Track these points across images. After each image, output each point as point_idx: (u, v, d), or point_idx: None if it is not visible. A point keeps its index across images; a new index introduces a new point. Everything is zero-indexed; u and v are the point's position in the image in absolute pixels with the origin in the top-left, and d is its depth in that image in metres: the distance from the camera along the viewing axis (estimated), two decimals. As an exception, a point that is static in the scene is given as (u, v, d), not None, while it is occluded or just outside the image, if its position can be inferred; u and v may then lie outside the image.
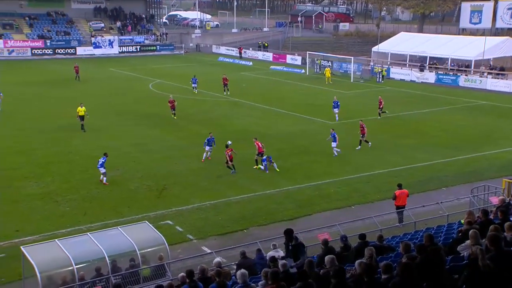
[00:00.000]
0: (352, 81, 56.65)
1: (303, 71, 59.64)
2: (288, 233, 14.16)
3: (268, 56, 76.09)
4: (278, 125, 37.26)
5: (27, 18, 75.72)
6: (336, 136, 29.54)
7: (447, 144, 32.32)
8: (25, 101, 41.66)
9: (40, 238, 18.78)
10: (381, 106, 38.51)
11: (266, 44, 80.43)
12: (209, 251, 17.93)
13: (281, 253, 13.91)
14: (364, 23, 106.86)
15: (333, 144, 29.53)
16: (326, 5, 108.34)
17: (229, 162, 26.67)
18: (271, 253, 13.51)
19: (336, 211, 22.57)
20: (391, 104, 41.76)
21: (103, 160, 24.65)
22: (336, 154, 29.56)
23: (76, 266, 14.31)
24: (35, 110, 38.77)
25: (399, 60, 64.92)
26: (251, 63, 71.13)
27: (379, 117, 38.01)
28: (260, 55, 77.17)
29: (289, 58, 72.36)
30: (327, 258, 9.58)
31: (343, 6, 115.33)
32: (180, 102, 43.74)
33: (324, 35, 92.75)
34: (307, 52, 65.23)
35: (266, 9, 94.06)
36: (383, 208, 21.37)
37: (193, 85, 47.23)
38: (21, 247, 15.04)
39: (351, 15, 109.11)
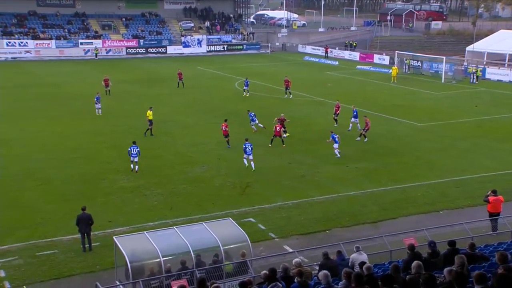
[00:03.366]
0: (443, 81, 54.38)
1: (390, 71, 58.03)
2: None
3: (355, 55, 74.82)
4: (362, 125, 36.40)
5: (123, 19, 79.60)
6: (335, 137, 28.93)
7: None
8: (120, 98, 43.75)
9: (130, 230, 19.63)
10: (337, 112, 35.90)
11: (354, 44, 79.12)
12: (291, 250, 17.89)
13: (365, 256, 13.60)
14: (458, 21, 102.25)
15: (335, 145, 28.97)
16: (418, 3, 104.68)
17: (225, 137, 28.90)
18: (354, 256, 13.26)
19: (422, 215, 21.77)
20: (486, 106, 39.68)
21: (137, 150, 26.17)
22: (338, 156, 28.86)
23: (163, 258, 14.79)
24: (128, 107, 40.60)
25: (497, 59, 61.35)
26: (337, 63, 70.31)
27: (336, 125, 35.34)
28: (347, 54, 76.05)
29: (376, 58, 70.75)
30: (414, 263, 9.25)
31: (436, 4, 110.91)
32: (265, 101, 44.13)
33: (414, 34, 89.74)
34: (396, 51, 63.45)
35: (354, 8, 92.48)
36: (474, 215, 20.33)
37: (244, 87, 46.36)
38: (114, 237, 15.78)
39: (445, 13, 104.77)
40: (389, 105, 42.61)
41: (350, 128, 34.13)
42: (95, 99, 37.50)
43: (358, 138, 31.98)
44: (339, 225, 20.88)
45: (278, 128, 30.60)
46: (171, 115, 38.47)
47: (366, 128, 31.90)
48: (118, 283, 15.20)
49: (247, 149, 26.68)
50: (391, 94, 48.55)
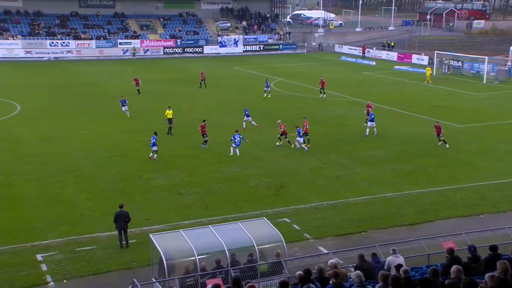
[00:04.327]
0: (484, 82, 53.07)
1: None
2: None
3: (393, 55, 73.76)
4: (399, 126, 35.98)
5: (161, 19, 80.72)
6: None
7: None
8: (158, 97, 44.32)
9: (166, 228, 19.87)
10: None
11: (392, 44, 78.02)
12: (326, 251, 17.80)
13: (401, 258, 13.39)
14: (502, 20, 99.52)
15: (298, 139, 29.84)
16: (459, 1, 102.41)
17: (204, 136, 29.72)
18: (390, 258, 13.07)
19: (461, 219, 21.30)
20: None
21: (154, 140, 27.60)
22: (298, 147, 29.81)
23: (198, 257, 14.89)
24: (165, 106, 41.07)
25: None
26: (374, 63, 69.49)
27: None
28: (384, 54, 75.06)
29: (414, 58, 69.56)
30: (453, 268, 9.06)
31: (478, 3, 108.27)
32: (301, 101, 43.98)
33: (455, 33, 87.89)
34: (435, 51, 62.23)
35: (393, 7, 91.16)
36: (517, 220, 19.76)
37: (265, 88, 45.58)
38: (150, 235, 15.95)
39: (488, 12, 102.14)
40: (428, 106, 41.85)
41: (367, 133, 32.90)
42: (121, 102, 37.27)
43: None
44: (375, 227, 20.63)
45: (282, 128, 30.48)
46: (207, 114, 38.62)
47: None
48: (154, 280, 15.40)
49: (236, 140, 28.39)
50: (430, 95, 47.66)
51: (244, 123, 34.05)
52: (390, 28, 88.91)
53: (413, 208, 22.35)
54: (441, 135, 30.40)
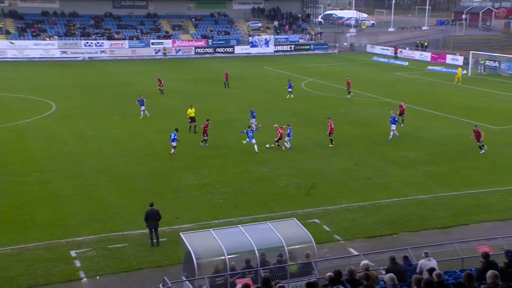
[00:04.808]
0: (522, 82, 51.78)
1: (464, 71, 55.92)
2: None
3: (426, 56, 72.61)
4: (433, 127, 35.41)
5: (193, 19, 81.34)
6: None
7: None
8: (189, 97, 44.59)
9: (196, 227, 20.01)
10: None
11: (426, 44, 76.78)
12: (356, 253, 17.63)
13: (434, 262, 13.16)
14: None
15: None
16: (497, 0, 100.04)
17: (205, 135, 30.29)
18: (422, 261, 12.86)
19: (498, 223, 20.82)
20: None
21: (175, 136, 28.65)
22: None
23: (228, 256, 14.94)
24: (196, 106, 41.33)
25: None
26: (407, 63, 68.54)
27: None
28: (417, 55, 73.96)
29: (449, 58, 68.32)
30: (489, 273, 8.83)
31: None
32: (331, 101, 43.71)
33: (492, 33, 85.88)
34: (471, 51, 60.99)
35: (427, 7, 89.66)
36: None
37: (288, 89, 45.16)
38: (180, 233, 16.08)
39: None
40: (462, 107, 41.07)
41: (390, 136, 32.10)
42: (139, 102, 37.24)
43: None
44: (407, 229, 20.35)
45: (279, 132, 30.35)
46: (237, 114, 38.88)
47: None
48: (184, 278, 15.51)
49: (249, 134, 29.69)
50: (465, 96, 46.77)
51: (253, 124, 33.67)
52: (424, 28, 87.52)
53: (446, 211, 21.95)
54: (480, 140, 29.20)
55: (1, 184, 24.36)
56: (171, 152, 28.87)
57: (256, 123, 33.09)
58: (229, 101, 43.80)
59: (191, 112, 33.69)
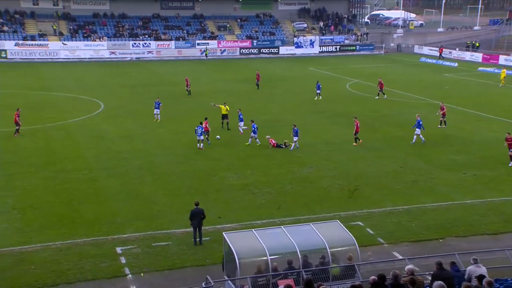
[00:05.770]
0: None
1: (511, 72, 54.13)
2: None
3: (477, 56, 70.55)
4: (483, 130, 34.38)
5: (238, 20, 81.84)
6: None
7: None
8: (234, 97, 44.85)
9: (239, 227, 20.10)
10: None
11: (477, 44, 74.56)
12: (401, 257, 17.29)
13: (483, 269, 12.73)
14: None
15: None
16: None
17: (206, 134, 30.68)
18: (471, 268, 12.46)
19: (552, 230, 19.98)
20: None
21: (201, 130, 29.85)
22: (292, 148, 29.91)
23: (270, 257, 14.92)
24: (239, 106, 41.50)
25: None
26: (456, 64, 66.78)
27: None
28: (468, 55, 71.96)
29: (502, 59, 66.12)
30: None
31: None
32: (376, 103, 43.06)
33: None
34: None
35: (479, 6, 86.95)
36: None
37: (317, 91, 44.30)
38: (223, 233, 16.17)
39: None
40: (514, 110, 39.69)
41: (414, 140, 31.06)
42: (155, 104, 36.86)
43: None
44: (454, 234, 19.82)
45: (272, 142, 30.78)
46: (280, 114, 38.83)
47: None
48: (226, 278, 15.59)
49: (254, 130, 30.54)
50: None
51: (240, 128, 33.38)
52: (476, 27, 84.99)
53: (496, 217, 21.26)
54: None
55: (51, 181, 25.17)
56: (199, 146, 30.01)
57: (245, 127, 32.89)
58: (273, 102, 43.79)
59: (224, 109, 34.46)
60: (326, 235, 15.71)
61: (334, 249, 15.52)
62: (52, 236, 19.49)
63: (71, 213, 21.63)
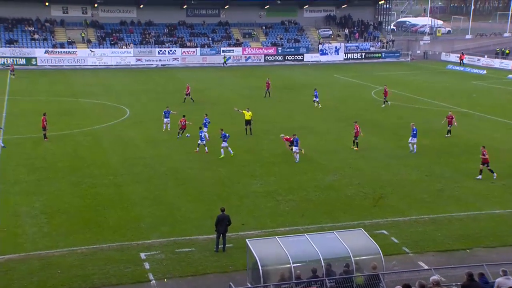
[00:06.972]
0: None
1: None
2: None
3: (507, 64, 69.34)
4: (512, 139, 33.69)
5: (263, 27, 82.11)
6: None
7: None
8: (259, 103, 44.95)
9: (262, 234, 20.05)
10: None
11: (507, 52, 73.31)
12: (426, 267, 17.01)
13: None
14: None
15: (295, 149, 29.04)
16: None
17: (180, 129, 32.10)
18: (500, 280, 12.19)
19: None
20: None
21: (226, 135, 29.74)
22: (297, 160, 28.98)
23: (293, 265, 14.83)
24: (264, 112, 41.55)
25: None
26: (484, 72, 65.74)
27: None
28: (497, 63, 70.80)
29: (532, 67, 64.94)
30: None
31: None
32: (402, 111, 42.61)
33: None
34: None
35: (510, 12, 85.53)
36: None
37: (315, 99, 43.59)
38: (247, 240, 16.14)
39: None
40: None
41: (414, 150, 30.43)
42: (165, 114, 36.44)
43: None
44: (481, 245, 19.43)
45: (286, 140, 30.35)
46: (305, 122, 38.72)
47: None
48: (249, 285, 15.55)
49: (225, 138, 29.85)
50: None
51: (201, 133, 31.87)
52: (506, 34, 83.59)
53: (526, 228, 20.77)
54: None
55: (78, 187, 25.52)
56: (201, 149, 30.47)
57: (206, 134, 31.88)
58: (296, 109, 43.68)
59: (247, 115, 34.74)
60: (350, 243, 15.56)
61: (358, 258, 15.36)
62: (78, 240, 19.74)
63: (97, 218, 21.88)
